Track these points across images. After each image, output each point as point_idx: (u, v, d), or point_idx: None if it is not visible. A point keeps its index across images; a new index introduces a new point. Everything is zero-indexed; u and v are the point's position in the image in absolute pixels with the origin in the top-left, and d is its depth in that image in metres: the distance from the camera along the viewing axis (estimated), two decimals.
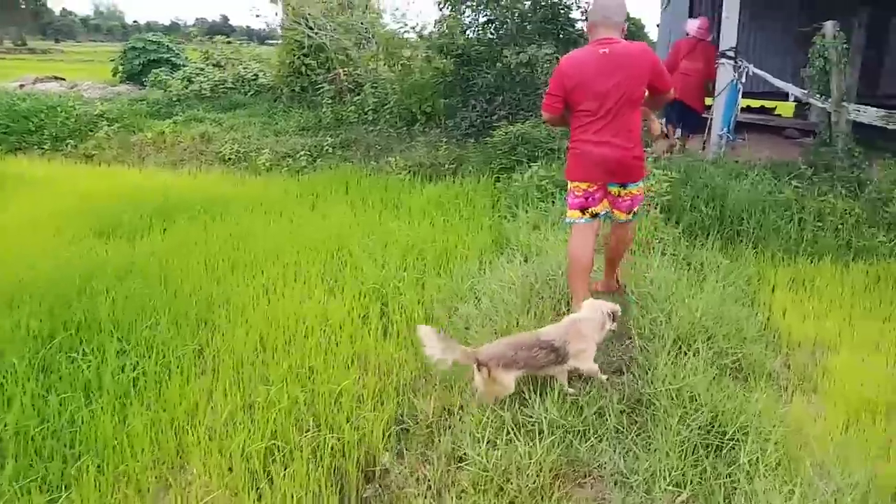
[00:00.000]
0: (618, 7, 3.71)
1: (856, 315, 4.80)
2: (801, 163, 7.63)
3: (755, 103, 12.39)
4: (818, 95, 7.05)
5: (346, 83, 11.89)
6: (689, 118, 9.51)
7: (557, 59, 10.50)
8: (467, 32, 11.38)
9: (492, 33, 11.28)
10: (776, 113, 12.50)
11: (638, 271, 4.48)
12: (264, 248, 5.77)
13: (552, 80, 3.77)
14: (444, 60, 10.89)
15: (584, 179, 3.80)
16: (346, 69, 11.94)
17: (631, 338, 3.48)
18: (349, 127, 11.13)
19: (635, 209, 3.95)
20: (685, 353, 3.34)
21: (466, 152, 9.67)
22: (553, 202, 6.80)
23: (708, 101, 10.22)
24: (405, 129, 10.67)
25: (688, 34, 9.09)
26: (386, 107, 10.84)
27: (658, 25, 14.09)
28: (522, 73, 10.46)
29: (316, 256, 5.62)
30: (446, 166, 9.42)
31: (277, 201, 7.72)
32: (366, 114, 11.07)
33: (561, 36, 10.36)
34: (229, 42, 16.55)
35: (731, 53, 7.88)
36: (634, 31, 65.89)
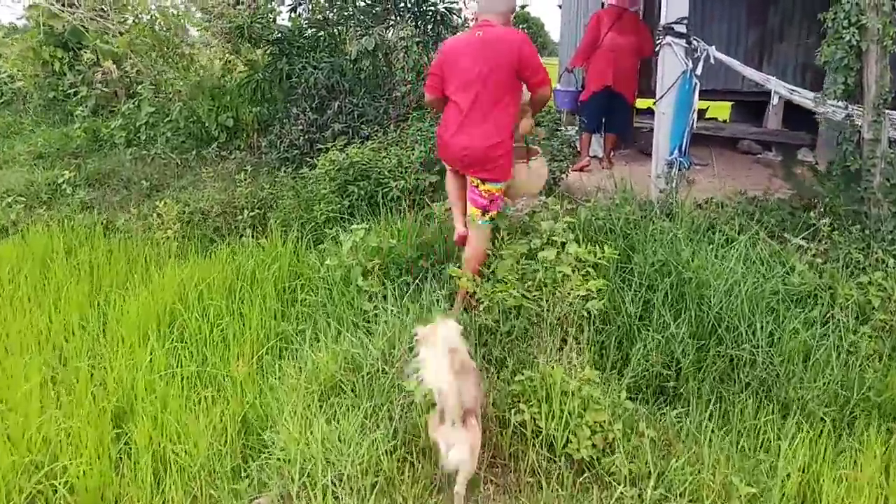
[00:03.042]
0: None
1: None
2: (797, 202, 4.83)
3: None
4: (838, 98, 4.19)
5: (120, 85, 8.26)
6: (619, 114, 6.72)
7: (417, 44, 7.35)
8: (299, 10, 8.08)
9: (330, 12, 8.02)
10: (709, 117, 9.85)
11: None
12: None
13: (435, 60, 3.69)
14: (257, 50, 7.53)
15: (449, 164, 3.79)
16: (119, 64, 8.29)
17: None
18: (112, 151, 7.53)
19: (492, 213, 3.64)
20: None
21: (281, 191, 6.34)
22: (386, 300, 3.60)
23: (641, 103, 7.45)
24: (194, 152, 7.19)
25: (605, 4, 6.42)
26: (167, 120, 7.32)
27: (560, 6, 11.25)
28: (369, 67, 7.24)
29: None
30: (245, 215, 6.05)
31: None
32: (138, 131, 7.49)
33: (419, 12, 7.21)
34: None
35: (682, 29, 4.95)
36: (535, 31, 64.90)
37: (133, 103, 7.65)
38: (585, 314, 3.25)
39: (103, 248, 5.35)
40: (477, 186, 3.57)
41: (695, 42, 4.96)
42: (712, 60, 4.96)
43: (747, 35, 7.87)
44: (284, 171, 6.70)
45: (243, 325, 3.88)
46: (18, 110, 9.46)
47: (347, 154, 5.52)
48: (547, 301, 3.24)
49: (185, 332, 3.80)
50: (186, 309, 3.97)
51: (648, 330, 3.33)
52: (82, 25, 8.19)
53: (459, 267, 3.68)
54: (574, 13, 9.86)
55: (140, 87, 7.63)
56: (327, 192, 5.66)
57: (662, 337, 3.29)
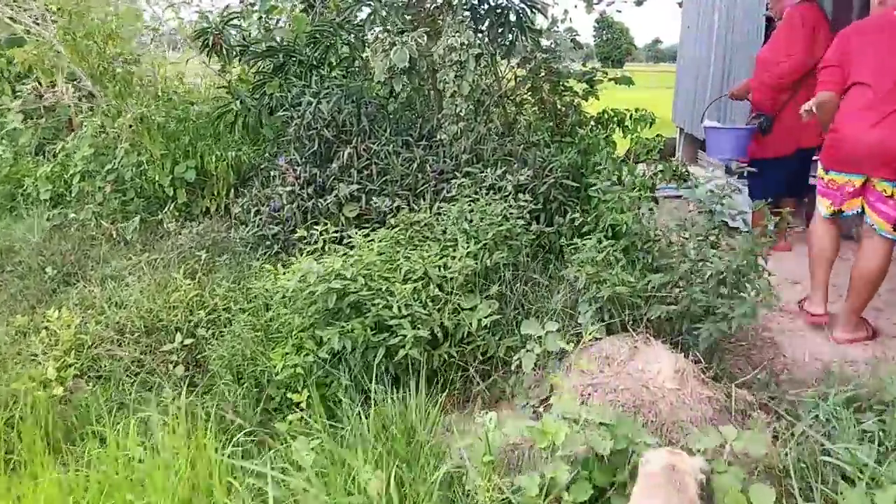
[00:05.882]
0: None
1: None
2: None
3: None
4: None
5: (74, 113, 6.11)
6: (805, 172, 4.32)
7: (477, 59, 4.63)
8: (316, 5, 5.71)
9: (355, 11, 5.57)
10: None
11: None
12: None
13: (831, 47, 3.16)
14: (239, 64, 5.21)
15: (840, 170, 3.10)
16: (75, 84, 6.15)
17: None
18: (32, 212, 5.34)
19: None
20: None
21: (239, 299, 3.94)
22: None
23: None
24: (138, 217, 4.88)
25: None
26: (108, 168, 5.05)
27: (680, 3, 8.51)
28: (401, 95, 4.81)
29: None
30: (176, 342, 3.67)
31: None
32: (69, 184, 5.27)
33: (484, 10, 4.70)
34: None
35: None
36: (617, 37, 60.98)
37: (73, 141, 5.48)
38: None
39: None
40: (884, 192, 2.97)
41: None
42: None
43: None
44: (261, 257, 4.32)
45: None
46: None
47: (325, 266, 3.03)
48: None
49: None
50: None
51: None
52: (26, 31, 6.11)
53: None
54: (707, 11, 7.14)
55: (80, 117, 5.45)
56: (298, 325, 3.22)
57: None
